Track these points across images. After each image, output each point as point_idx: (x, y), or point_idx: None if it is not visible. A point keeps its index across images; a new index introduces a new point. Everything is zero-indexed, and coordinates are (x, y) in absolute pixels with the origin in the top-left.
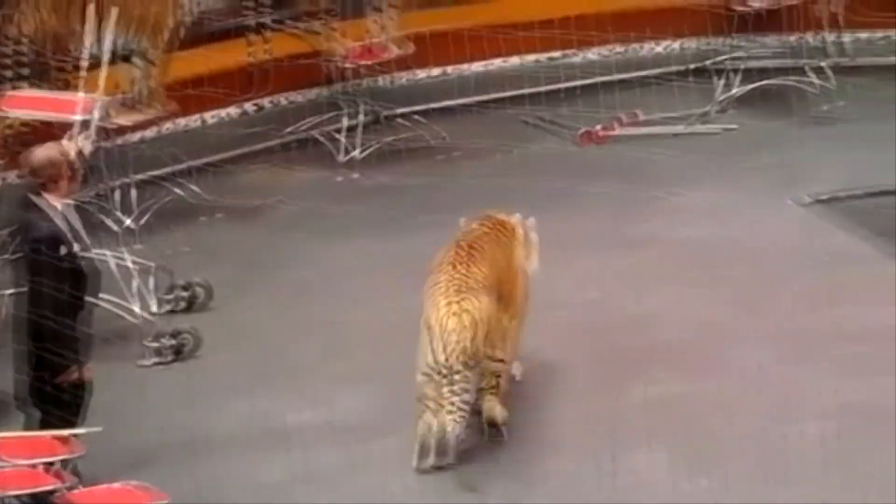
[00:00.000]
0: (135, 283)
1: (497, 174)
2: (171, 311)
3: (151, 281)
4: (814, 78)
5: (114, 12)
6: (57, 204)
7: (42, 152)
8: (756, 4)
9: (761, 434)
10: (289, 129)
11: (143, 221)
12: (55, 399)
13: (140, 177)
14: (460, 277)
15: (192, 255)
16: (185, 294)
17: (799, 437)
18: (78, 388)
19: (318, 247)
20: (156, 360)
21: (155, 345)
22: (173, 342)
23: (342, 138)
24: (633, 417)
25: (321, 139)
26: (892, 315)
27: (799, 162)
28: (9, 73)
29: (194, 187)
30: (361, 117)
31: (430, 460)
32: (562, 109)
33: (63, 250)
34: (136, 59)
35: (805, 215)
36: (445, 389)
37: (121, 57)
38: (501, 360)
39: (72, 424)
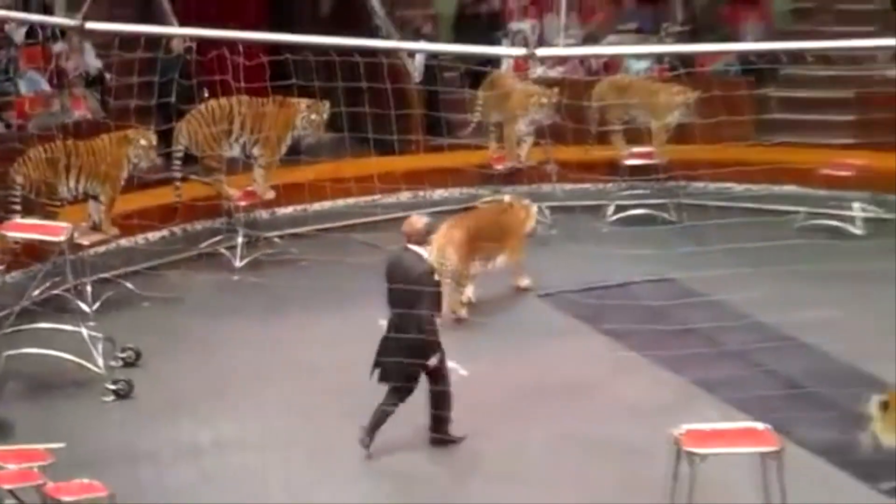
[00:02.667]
0: (98, 348)
1: (349, 274)
2: (112, 367)
3: (100, 347)
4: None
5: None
6: (424, 254)
7: (422, 221)
8: (501, 167)
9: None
10: (202, 246)
11: (95, 307)
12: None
13: (92, 277)
14: (455, 222)
15: (126, 332)
16: (123, 355)
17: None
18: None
19: (214, 327)
20: (113, 398)
21: (114, 387)
22: (115, 387)
23: (227, 252)
24: None
25: (223, 251)
26: (589, 372)
27: (533, 269)
28: (14, 211)
29: (132, 286)
30: (240, 238)
31: None
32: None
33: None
34: (100, 198)
35: (538, 304)
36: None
37: (90, 196)
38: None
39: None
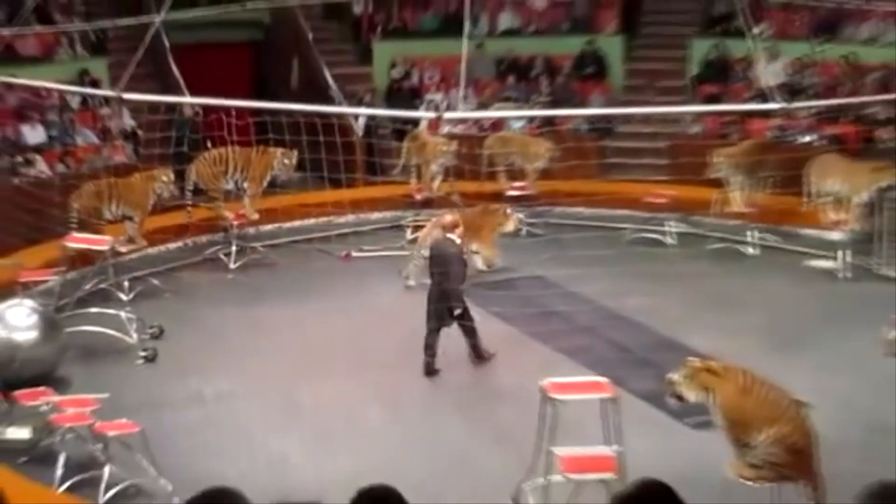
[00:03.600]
0: (133, 326)
1: (311, 273)
2: (143, 339)
3: (134, 325)
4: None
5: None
6: (457, 239)
7: (454, 217)
8: (419, 196)
9: None
10: (206, 253)
11: (130, 297)
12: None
13: (128, 276)
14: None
15: (153, 314)
16: (150, 331)
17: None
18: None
19: (215, 311)
20: (143, 361)
21: (144, 353)
22: (145, 353)
23: (224, 258)
24: None
25: (221, 257)
26: (482, 341)
27: None
28: (72, 229)
29: (157, 282)
30: (234, 247)
31: None
32: (334, 245)
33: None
34: (133, 219)
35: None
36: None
37: (126, 218)
38: None
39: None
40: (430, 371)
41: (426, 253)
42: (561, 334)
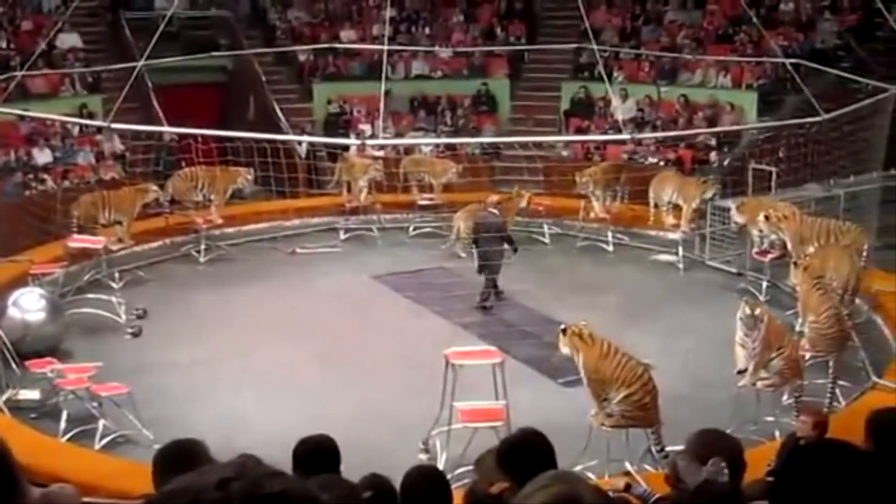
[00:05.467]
0: (122, 308)
1: (265, 265)
2: (130, 319)
3: (123, 307)
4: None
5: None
6: (498, 213)
7: (495, 197)
8: (349, 205)
9: None
10: (183, 249)
11: (120, 285)
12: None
13: (118, 268)
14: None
15: (138, 299)
16: (136, 312)
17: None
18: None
19: (189, 295)
20: (130, 336)
21: (131, 330)
22: (132, 330)
23: (195, 253)
24: None
25: (193, 253)
26: (397, 318)
27: (367, 263)
28: (73, 231)
29: (141, 273)
30: (203, 245)
31: None
32: (281, 243)
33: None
34: (123, 223)
35: (370, 282)
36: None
37: (117, 222)
38: None
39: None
40: (483, 308)
41: (470, 224)
42: (460, 311)
